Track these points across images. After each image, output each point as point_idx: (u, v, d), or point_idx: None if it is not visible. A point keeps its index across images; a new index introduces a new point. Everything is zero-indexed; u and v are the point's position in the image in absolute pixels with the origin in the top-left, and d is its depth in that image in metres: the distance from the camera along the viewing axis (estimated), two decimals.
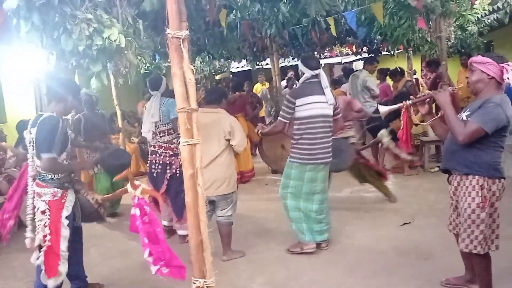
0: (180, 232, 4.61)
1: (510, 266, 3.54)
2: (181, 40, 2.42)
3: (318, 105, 3.95)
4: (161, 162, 4.51)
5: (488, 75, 2.77)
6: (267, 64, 11.01)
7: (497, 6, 6.60)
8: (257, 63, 10.19)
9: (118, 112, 7.54)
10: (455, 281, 3.23)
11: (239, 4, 4.14)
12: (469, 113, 2.81)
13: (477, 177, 2.78)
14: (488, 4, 6.59)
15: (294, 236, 4.25)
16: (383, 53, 10.77)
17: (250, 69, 12.73)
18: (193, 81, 2.47)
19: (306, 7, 3.99)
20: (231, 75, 14.06)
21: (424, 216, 4.82)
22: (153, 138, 4.52)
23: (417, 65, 15.36)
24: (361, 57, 11.55)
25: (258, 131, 4.55)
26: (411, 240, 4.28)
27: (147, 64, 9.02)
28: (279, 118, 4.09)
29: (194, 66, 10.80)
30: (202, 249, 2.46)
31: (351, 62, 15.80)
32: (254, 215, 5.46)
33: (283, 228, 4.67)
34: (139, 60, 7.35)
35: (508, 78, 2.70)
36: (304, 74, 4.03)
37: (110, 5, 2.66)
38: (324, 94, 3.97)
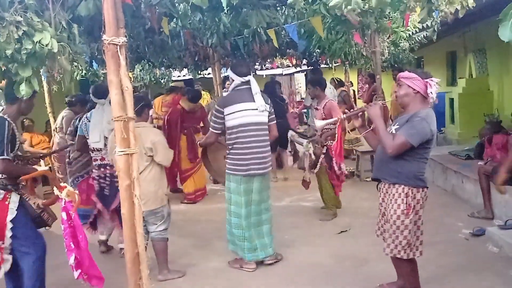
0: (121, 246, 4.37)
1: (437, 270, 3.75)
2: (118, 46, 2.37)
3: (248, 113, 3.84)
4: (113, 175, 4.14)
5: (414, 89, 2.93)
6: (209, 73, 10.99)
7: (426, 24, 7.00)
8: (199, 72, 10.14)
9: (52, 120, 7.20)
10: (388, 286, 3.36)
11: (180, 12, 4.09)
12: (398, 126, 2.97)
13: (403, 186, 2.93)
14: (418, 22, 6.97)
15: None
16: (322, 65, 11.10)
17: (191, 78, 12.63)
18: (130, 89, 2.41)
19: (247, 18, 4.03)
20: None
21: (360, 224, 4.97)
22: (102, 149, 4.22)
23: (354, 78, 15.96)
24: (301, 69, 11.84)
25: (197, 142, 4.48)
26: (348, 248, 4.40)
27: (83, 71, 8.70)
28: (210, 128, 4.02)
29: (133, 74, 10.59)
30: (138, 262, 2.39)
31: (292, 74, 16.15)
32: (194, 226, 5.39)
33: (223, 239, 4.64)
34: (75, 66, 7.07)
35: (431, 92, 2.88)
36: (232, 81, 3.97)
37: (42, 8, 2.52)
38: (254, 101, 3.87)
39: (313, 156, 5.06)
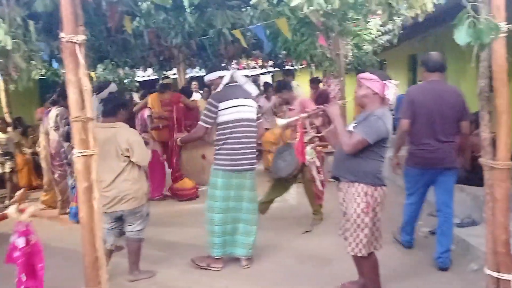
0: None
1: (398, 268, 3.84)
2: (76, 45, 2.30)
3: (242, 109, 3.89)
4: None
5: (373, 90, 3.01)
6: (174, 74, 10.86)
7: (388, 28, 7.18)
8: (164, 72, 10.01)
9: (8, 120, 6.95)
10: (350, 286, 3.42)
11: (142, 11, 4.02)
12: (355, 124, 3.03)
13: (362, 184, 2.99)
14: (380, 25, 7.14)
15: (199, 249, 4.17)
16: (288, 67, 11.18)
17: (157, 78, 12.46)
18: (89, 88, 2.35)
19: (212, 18, 4.01)
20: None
21: (324, 224, 5.02)
22: None
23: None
24: (267, 70, 11.88)
25: (176, 139, 4.36)
26: (312, 248, 4.44)
27: (43, 70, 8.43)
28: (199, 123, 3.95)
29: (96, 73, 10.35)
30: (97, 267, 2.33)
31: (258, 75, 16.19)
32: (160, 228, 5.31)
33: (188, 241, 4.60)
34: (34, 64, 6.83)
35: (388, 94, 2.98)
36: (222, 78, 3.96)
37: None
38: (247, 97, 3.95)
39: (318, 163, 4.70)
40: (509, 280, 2.45)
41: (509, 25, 2.32)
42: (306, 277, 3.81)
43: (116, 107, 3.77)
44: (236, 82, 4.01)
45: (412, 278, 3.67)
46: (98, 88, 5.20)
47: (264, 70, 12.45)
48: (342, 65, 7.44)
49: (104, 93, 4.99)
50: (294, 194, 6.20)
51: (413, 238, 4.32)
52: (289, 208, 5.69)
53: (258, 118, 4.09)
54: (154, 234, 4.92)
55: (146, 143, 4.24)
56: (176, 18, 4.53)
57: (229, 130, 3.85)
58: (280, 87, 5.33)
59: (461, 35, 2.11)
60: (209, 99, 3.96)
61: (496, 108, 2.43)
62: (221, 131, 3.89)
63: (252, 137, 3.97)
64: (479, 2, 2.35)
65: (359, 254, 3.06)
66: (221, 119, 3.86)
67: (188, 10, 3.78)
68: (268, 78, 19.42)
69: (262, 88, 9.96)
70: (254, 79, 17.16)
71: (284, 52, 7.85)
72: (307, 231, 4.90)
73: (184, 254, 4.36)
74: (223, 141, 3.87)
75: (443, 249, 3.81)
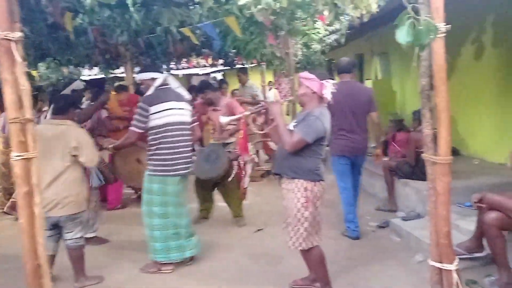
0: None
1: (346, 262, 3.93)
2: (12, 42, 2.17)
3: (174, 112, 3.82)
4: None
5: (312, 89, 3.10)
6: (122, 72, 10.57)
7: (335, 28, 7.33)
8: (110, 71, 9.72)
9: None
10: (301, 282, 3.47)
11: (86, 8, 3.87)
12: (296, 123, 3.09)
13: (301, 180, 3.08)
14: (327, 25, 7.28)
15: (147, 253, 4.07)
16: (238, 66, 11.17)
17: (104, 77, 12.09)
18: (27, 88, 2.22)
19: (158, 16, 3.93)
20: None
21: (275, 222, 5.04)
22: None
23: (270, 78, 16.28)
24: (217, 69, 11.82)
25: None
26: (263, 246, 4.47)
27: None
28: (131, 128, 3.85)
29: (38, 72, 9.89)
30: (39, 275, 2.22)
31: (209, 73, 16.08)
32: (108, 231, 5.15)
33: (135, 245, 4.49)
34: None
35: (326, 93, 3.09)
36: (154, 80, 3.88)
37: None
38: (179, 100, 3.89)
39: (256, 160, 4.89)
40: (451, 270, 2.56)
41: (448, 26, 2.42)
42: (259, 275, 3.82)
43: (67, 105, 3.68)
44: (168, 84, 3.93)
45: (360, 271, 3.77)
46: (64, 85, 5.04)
47: (214, 69, 12.36)
48: (292, 64, 7.52)
49: (67, 90, 4.81)
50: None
51: (358, 227, 4.55)
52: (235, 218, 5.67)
53: (193, 121, 4.05)
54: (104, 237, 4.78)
55: (102, 147, 4.14)
56: (121, 15, 4.39)
57: (162, 135, 3.77)
58: (203, 87, 5.23)
59: (402, 35, 2.17)
60: (140, 103, 3.85)
61: (436, 106, 2.53)
62: (153, 136, 3.79)
63: (186, 141, 3.91)
64: (419, 3, 2.44)
65: (300, 248, 3.15)
66: (153, 123, 3.77)
67: (131, 8, 3.67)
68: (219, 77, 19.35)
69: (217, 85, 9.91)
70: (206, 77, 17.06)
71: (234, 51, 7.82)
72: (259, 230, 4.92)
73: (134, 257, 4.25)
74: (156, 146, 3.79)
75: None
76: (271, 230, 4.89)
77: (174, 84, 3.99)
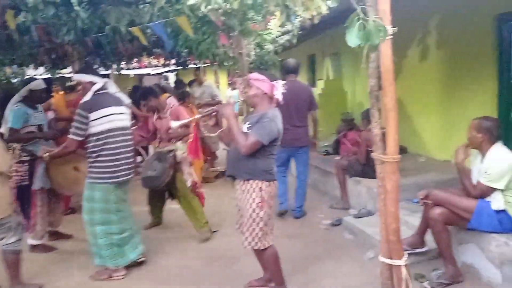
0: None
1: (301, 261, 3.97)
2: None
3: (115, 117, 3.73)
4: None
5: (262, 90, 3.12)
6: (70, 72, 10.20)
7: (287, 29, 7.40)
8: (57, 71, 9.35)
9: None
10: (256, 282, 3.47)
11: (29, 5, 3.68)
12: (249, 125, 3.11)
13: (256, 181, 3.10)
14: (279, 26, 7.33)
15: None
16: (191, 66, 11.05)
17: (50, 78, 11.61)
18: None
19: (105, 15, 3.81)
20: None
21: (230, 224, 4.99)
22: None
23: (224, 78, 16.28)
24: (169, 68, 11.65)
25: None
26: (218, 248, 4.44)
27: None
28: (70, 137, 3.69)
29: None
30: None
31: (161, 73, 15.85)
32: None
33: (85, 252, 4.33)
34: None
35: (277, 94, 3.13)
36: (93, 84, 3.76)
37: None
38: (119, 105, 3.81)
39: (190, 159, 4.70)
40: (400, 265, 2.64)
41: (394, 28, 2.49)
42: (214, 278, 3.79)
43: None
44: (106, 89, 3.84)
45: (314, 269, 3.82)
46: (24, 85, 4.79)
47: (167, 69, 12.17)
48: (245, 64, 7.50)
49: (24, 91, 4.52)
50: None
51: (287, 205, 5.22)
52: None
53: (132, 125, 4.02)
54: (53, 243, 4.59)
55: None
56: (67, 13, 4.22)
57: (104, 141, 3.68)
58: (147, 94, 4.99)
59: (352, 37, 2.21)
60: (79, 110, 3.69)
61: (384, 106, 2.59)
62: (94, 143, 3.68)
63: (127, 146, 3.84)
64: (367, 6, 2.49)
65: (255, 247, 3.16)
66: (93, 130, 3.66)
67: (76, 6, 3.53)
68: (172, 77, 19.12)
69: (173, 86, 9.79)
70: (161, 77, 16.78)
71: (186, 51, 7.73)
72: (213, 232, 4.88)
73: (84, 264, 4.11)
74: (97, 153, 3.68)
75: (299, 204, 5.24)
76: (225, 231, 4.87)
77: (112, 89, 3.89)
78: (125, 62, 10.28)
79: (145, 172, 4.64)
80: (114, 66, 9.19)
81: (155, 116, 4.96)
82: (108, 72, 10.60)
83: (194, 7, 2.78)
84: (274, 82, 3.13)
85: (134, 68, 13.55)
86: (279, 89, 3.12)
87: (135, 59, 10.26)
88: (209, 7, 2.61)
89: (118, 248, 3.84)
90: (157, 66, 13.15)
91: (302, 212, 5.26)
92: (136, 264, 4.01)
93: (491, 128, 3.29)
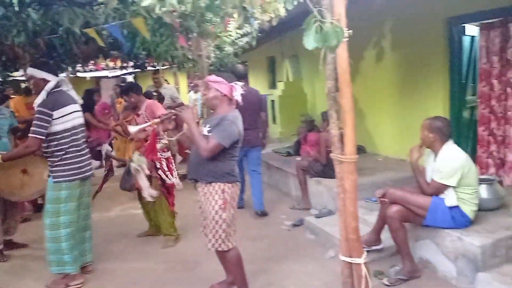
0: None
1: (264, 263, 3.98)
2: None
3: (76, 115, 3.76)
4: None
5: (222, 92, 3.10)
6: (22, 75, 9.82)
7: (247, 31, 7.41)
8: (9, 74, 8.96)
9: None
10: (218, 286, 3.46)
11: None
12: (209, 128, 3.08)
13: (218, 183, 3.08)
14: (237, 28, 7.34)
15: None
16: (149, 68, 10.87)
17: (1, 80, 11.13)
18: None
19: (57, 16, 3.68)
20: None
21: (192, 227, 4.96)
22: None
23: (184, 81, 16.12)
24: (127, 71, 11.42)
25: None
26: (180, 252, 4.39)
27: None
28: (32, 135, 3.55)
29: None
30: None
31: (119, 76, 15.52)
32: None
33: (40, 261, 4.18)
34: None
35: (236, 95, 3.12)
36: (46, 82, 3.68)
37: None
38: (76, 103, 3.81)
39: (147, 171, 4.35)
40: (359, 263, 2.68)
41: (350, 31, 2.54)
42: (176, 282, 3.74)
43: None
44: (61, 87, 3.78)
45: (277, 270, 3.84)
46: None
47: (125, 71, 11.93)
48: (205, 66, 7.46)
49: None
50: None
51: (243, 203, 5.56)
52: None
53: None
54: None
55: None
56: (16, 14, 4.06)
57: (70, 138, 3.68)
58: (129, 89, 4.87)
59: (309, 40, 2.23)
60: (40, 108, 3.59)
61: (341, 107, 2.64)
62: (59, 141, 3.63)
63: (85, 143, 3.92)
64: (323, 8, 2.52)
65: (219, 249, 3.14)
66: (57, 128, 3.61)
67: (16, 7, 3.40)
68: (130, 79, 18.75)
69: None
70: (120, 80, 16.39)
71: (144, 53, 7.59)
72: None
73: (39, 274, 3.96)
74: (64, 151, 3.65)
75: (259, 201, 5.44)
76: (188, 235, 4.82)
77: (66, 87, 3.85)
78: (80, 65, 10.02)
79: (123, 186, 4.55)
80: (70, 68, 8.90)
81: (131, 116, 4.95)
82: (63, 75, 10.28)
83: (149, 9, 2.71)
84: (232, 84, 3.12)
85: (91, 71, 13.19)
86: (238, 90, 3.12)
87: (91, 61, 10.00)
88: (164, 8, 2.56)
89: (79, 248, 3.84)
90: (115, 68, 12.86)
91: (263, 207, 5.43)
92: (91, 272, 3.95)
93: (441, 127, 3.41)
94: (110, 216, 5.69)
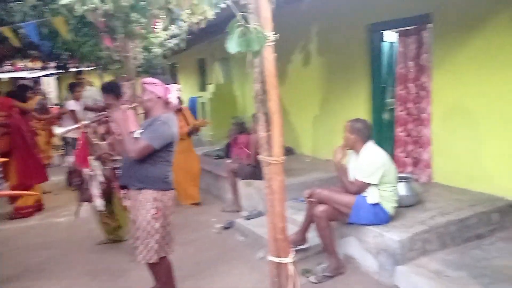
0: None
1: (193, 267, 3.94)
2: None
3: None
4: None
5: (156, 94, 3.01)
6: None
7: (175, 32, 7.31)
8: None
9: None
10: None
11: None
12: (142, 130, 2.98)
13: (150, 190, 2.94)
14: (163, 29, 7.23)
15: None
16: (73, 69, 10.41)
17: None
18: None
19: None
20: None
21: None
22: None
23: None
24: (48, 72, 10.85)
25: None
26: (106, 261, 4.22)
27: None
28: None
29: None
30: None
31: (39, 77, 14.71)
32: None
33: None
34: None
35: (171, 97, 3.03)
36: None
37: None
38: None
39: (101, 178, 4.07)
40: (287, 263, 2.74)
41: (276, 35, 2.58)
42: None
43: None
44: None
45: (207, 274, 3.82)
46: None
47: (46, 72, 11.31)
48: (132, 68, 7.25)
49: None
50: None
51: None
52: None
53: None
54: None
55: None
56: None
57: None
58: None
59: (232, 44, 2.23)
60: None
61: (269, 110, 2.68)
62: None
63: None
64: (249, 12, 2.55)
65: (151, 261, 2.99)
66: None
67: None
68: (52, 81, 17.82)
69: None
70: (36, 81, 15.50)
71: (67, 53, 7.25)
72: (102, 243, 4.63)
73: None
74: None
75: None
76: (114, 243, 4.65)
77: None
78: None
79: (81, 198, 4.30)
80: None
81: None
82: None
83: (67, 7, 2.60)
84: (168, 86, 3.03)
85: (8, 71, 12.37)
86: (173, 92, 3.02)
87: (8, 62, 9.39)
88: (85, 7, 2.46)
89: None
90: (34, 69, 12.15)
91: None
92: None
93: (362, 129, 3.58)
94: (29, 225, 5.36)
